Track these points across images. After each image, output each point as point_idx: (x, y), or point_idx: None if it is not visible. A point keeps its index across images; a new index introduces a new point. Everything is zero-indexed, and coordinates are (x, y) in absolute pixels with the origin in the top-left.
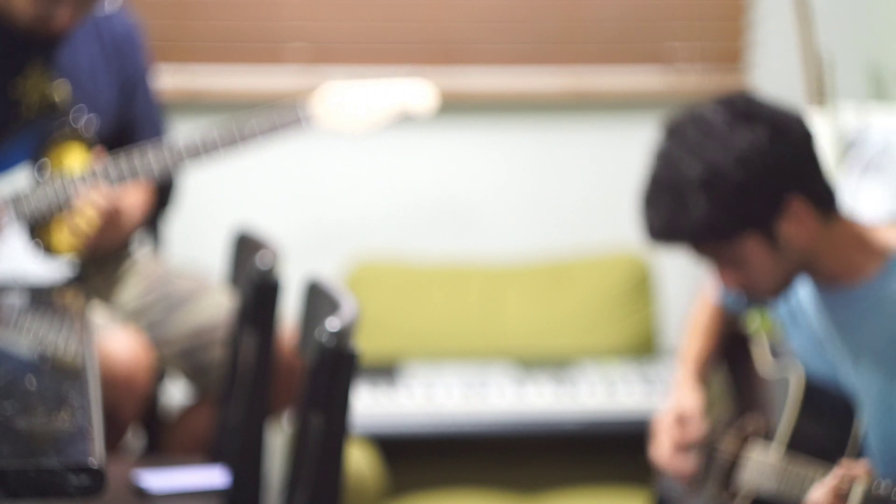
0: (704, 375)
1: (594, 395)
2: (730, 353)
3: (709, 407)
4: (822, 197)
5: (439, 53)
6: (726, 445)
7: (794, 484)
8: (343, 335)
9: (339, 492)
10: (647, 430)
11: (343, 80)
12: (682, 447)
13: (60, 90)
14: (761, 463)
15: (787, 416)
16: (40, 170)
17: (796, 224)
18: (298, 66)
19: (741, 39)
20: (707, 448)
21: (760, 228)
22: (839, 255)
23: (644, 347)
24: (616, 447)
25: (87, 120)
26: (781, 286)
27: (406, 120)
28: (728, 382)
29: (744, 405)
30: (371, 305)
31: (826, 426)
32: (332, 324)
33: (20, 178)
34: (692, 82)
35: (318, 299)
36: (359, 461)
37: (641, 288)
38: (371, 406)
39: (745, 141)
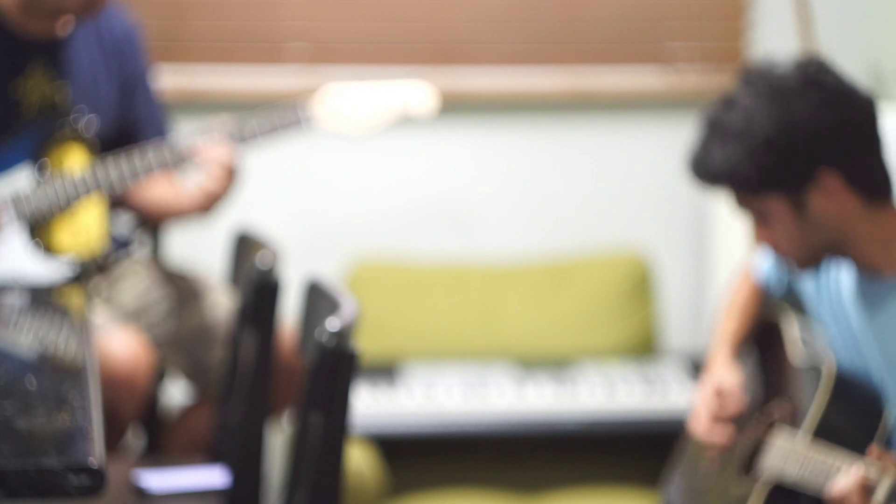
0: (738, 356)
1: (594, 395)
2: (760, 338)
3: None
4: (865, 180)
5: (439, 53)
6: (751, 430)
7: (818, 472)
8: (343, 335)
9: (339, 492)
10: (647, 430)
11: (344, 81)
12: (721, 419)
13: (61, 91)
14: (785, 449)
15: (815, 405)
16: (40, 170)
17: (826, 199)
18: (298, 66)
19: (741, 39)
20: (743, 423)
21: (788, 193)
22: (884, 244)
23: (644, 347)
24: (616, 447)
25: (87, 120)
26: (809, 257)
27: (406, 121)
28: (756, 367)
29: (771, 391)
30: (371, 305)
31: (854, 418)
32: (332, 324)
33: (20, 179)
34: (692, 82)
35: (318, 299)
36: (359, 461)
37: (641, 288)
38: (371, 406)
39: (795, 105)
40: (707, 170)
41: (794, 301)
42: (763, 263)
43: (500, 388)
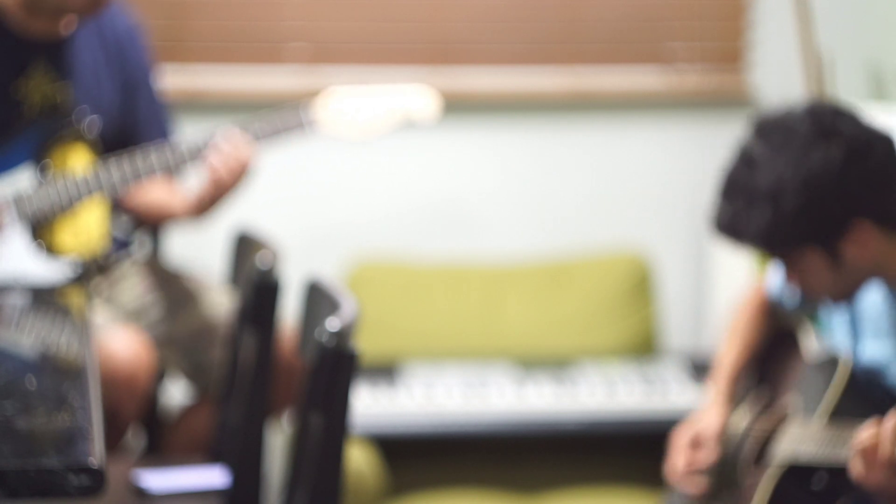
0: (735, 386)
1: (594, 395)
2: (772, 346)
3: (733, 415)
4: (894, 217)
5: (439, 53)
6: (761, 424)
7: (836, 444)
8: (343, 335)
9: (339, 492)
10: (647, 430)
11: (346, 85)
12: (695, 469)
13: (63, 91)
14: (799, 433)
15: (831, 391)
16: (42, 170)
17: (860, 247)
18: (299, 66)
19: (741, 39)
20: (718, 470)
21: (822, 245)
22: None
23: (644, 347)
24: (616, 447)
25: (89, 121)
26: (844, 296)
27: (408, 126)
28: (764, 372)
29: (782, 390)
30: (371, 305)
31: (868, 408)
32: (332, 324)
33: (22, 179)
34: (692, 82)
35: (318, 299)
36: (359, 461)
37: (641, 288)
38: (371, 406)
39: (818, 160)
40: (738, 233)
41: (806, 311)
42: (775, 279)
43: (500, 388)
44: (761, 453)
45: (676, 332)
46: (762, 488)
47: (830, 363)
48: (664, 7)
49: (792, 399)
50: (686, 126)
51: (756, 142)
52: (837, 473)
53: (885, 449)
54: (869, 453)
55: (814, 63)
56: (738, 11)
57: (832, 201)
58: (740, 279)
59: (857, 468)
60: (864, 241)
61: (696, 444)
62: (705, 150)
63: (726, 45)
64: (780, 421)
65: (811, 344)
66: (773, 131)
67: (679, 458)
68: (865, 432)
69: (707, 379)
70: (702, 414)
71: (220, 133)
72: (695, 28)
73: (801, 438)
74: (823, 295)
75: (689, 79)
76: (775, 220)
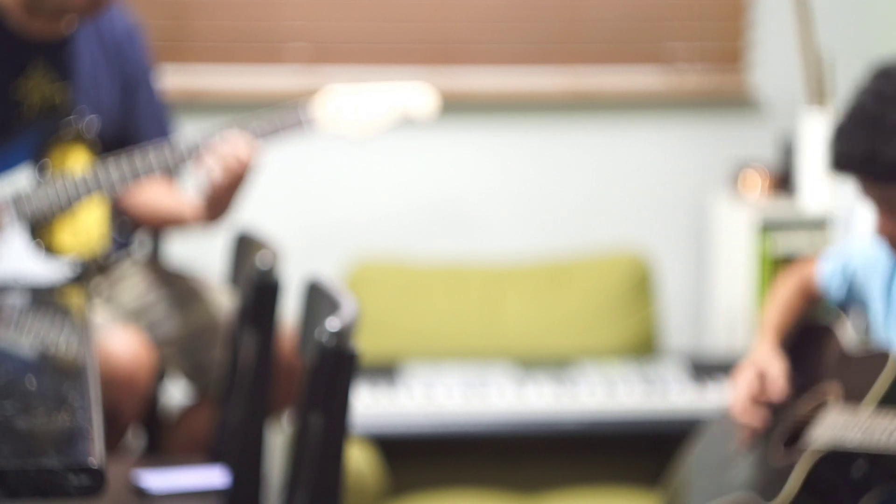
0: (781, 346)
1: (594, 395)
2: (804, 337)
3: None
4: None
5: (439, 53)
6: (797, 408)
7: (888, 432)
8: (343, 335)
9: (339, 492)
10: (647, 430)
11: (345, 83)
12: (759, 402)
13: (62, 91)
14: (842, 420)
15: (881, 381)
16: (42, 170)
17: None
18: (299, 66)
19: (741, 39)
20: (781, 412)
21: None
22: None
23: (644, 347)
24: (616, 447)
25: (88, 121)
26: None
27: (407, 123)
28: (796, 362)
29: (814, 379)
30: (371, 305)
31: None
32: (332, 324)
33: (22, 179)
34: (692, 82)
35: (318, 299)
36: (359, 461)
37: (641, 288)
38: (371, 406)
39: None
40: (872, 165)
41: (848, 308)
42: (826, 267)
43: (500, 388)
44: (793, 437)
45: (676, 332)
46: (800, 468)
47: (880, 355)
48: (664, 7)
49: (831, 387)
50: (686, 126)
51: (884, 81)
52: (878, 462)
53: None
54: None
55: (814, 63)
56: (738, 11)
57: None
58: (740, 279)
59: None
60: None
61: (763, 377)
62: (705, 150)
63: (726, 45)
64: (818, 406)
65: (851, 336)
66: None
67: (744, 389)
68: None
69: (707, 379)
70: (759, 356)
71: (219, 133)
72: (695, 28)
73: (845, 425)
74: None
75: (689, 79)
76: (882, 148)
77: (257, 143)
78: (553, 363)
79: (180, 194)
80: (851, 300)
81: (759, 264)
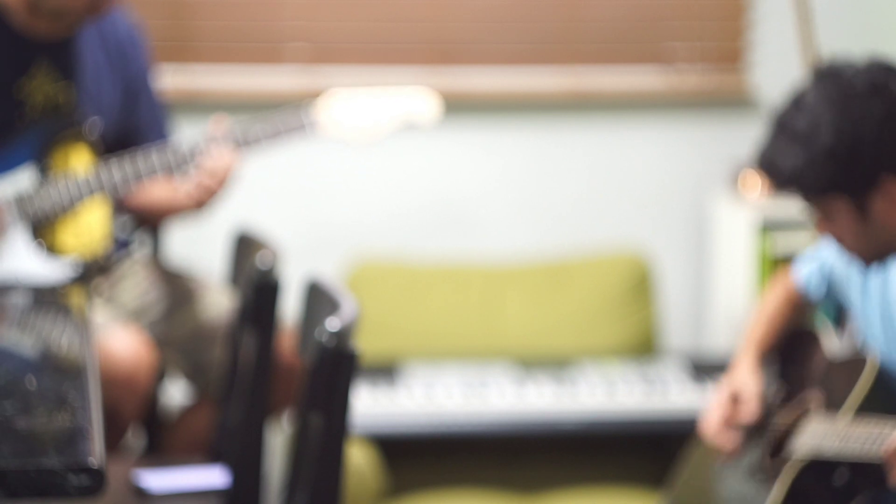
0: (763, 363)
1: (594, 395)
2: (791, 343)
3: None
4: None
5: (439, 53)
6: (781, 418)
7: (863, 440)
8: (343, 335)
9: (339, 492)
10: (647, 430)
11: (346, 85)
12: (732, 424)
13: (65, 92)
14: (822, 429)
15: (858, 388)
16: (44, 171)
17: (889, 204)
18: (299, 66)
19: (741, 39)
20: (756, 432)
21: (850, 195)
22: None
23: (644, 347)
24: (616, 447)
25: (91, 122)
26: (873, 254)
27: (409, 129)
28: (782, 369)
29: (800, 387)
30: (371, 305)
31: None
32: (332, 324)
33: (24, 179)
34: (692, 82)
35: (318, 299)
36: (359, 461)
37: (641, 288)
38: (371, 406)
39: (858, 110)
40: (773, 172)
41: (832, 305)
42: (803, 267)
43: (500, 388)
44: (779, 447)
45: (676, 332)
46: (781, 480)
47: (857, 361)
48: (664, 7)
49: (814, 395)
50: (686, 126)
51: (810, 87)
52: (859, 470)
53: None
54: None
55: (814, 63)
56: (738, 11)
57: (864, 152)
58: (740, 279)
59: (891, 469)
60: (893, 199)
61: (736, 399)
62: (705, 150)
63: (726, 45)
64: (801, 416)
65: (833, 343)
66: (827, 78)
67: (717, 413)
68: None
69: (707, 379)
70: (736, 376)
71: (207, 140)
72: (695, 28)
73: (825, 434)
74: (854, 251)
75: (689, 79)
76: (806, 163)
77: (240, 151)
78: (553, 363)
79: (173, 187)
80: (832, 299)
81: (758, 264)
